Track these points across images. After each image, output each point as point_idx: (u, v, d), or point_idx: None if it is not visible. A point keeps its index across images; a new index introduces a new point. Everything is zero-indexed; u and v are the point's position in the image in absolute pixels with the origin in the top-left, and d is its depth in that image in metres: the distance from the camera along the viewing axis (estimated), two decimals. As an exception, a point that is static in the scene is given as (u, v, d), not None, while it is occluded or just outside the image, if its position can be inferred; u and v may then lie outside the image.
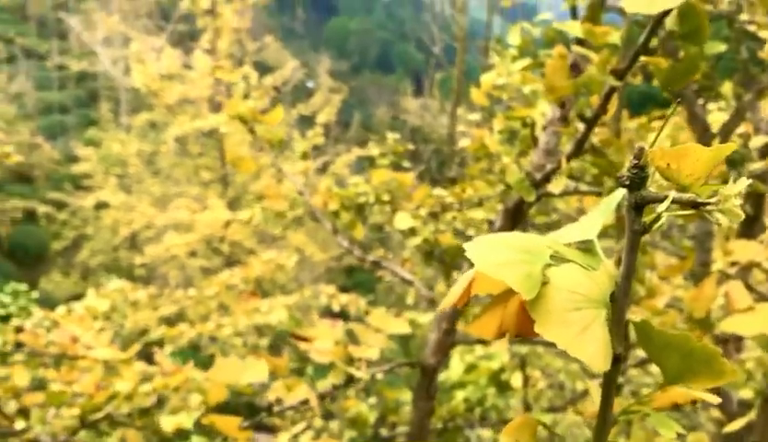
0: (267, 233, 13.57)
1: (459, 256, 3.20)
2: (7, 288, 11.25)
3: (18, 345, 3.24)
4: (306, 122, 16.47)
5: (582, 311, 0.51)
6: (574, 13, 1.67)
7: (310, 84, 45.07)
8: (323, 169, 15.66)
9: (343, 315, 7.23)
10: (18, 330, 3.44)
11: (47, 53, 32.83)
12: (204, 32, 14.05)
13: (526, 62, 2.57)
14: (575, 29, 1.24)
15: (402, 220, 2.55)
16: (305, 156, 2.71)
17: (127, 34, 23.48)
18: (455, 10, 7.11)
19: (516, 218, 1.99)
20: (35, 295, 14.60)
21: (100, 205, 16.76)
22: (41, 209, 20.34)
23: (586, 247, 0.57)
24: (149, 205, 14.71)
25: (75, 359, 2.96)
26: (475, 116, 3.90)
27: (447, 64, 14.69)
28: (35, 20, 38.21)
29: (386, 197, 2.87)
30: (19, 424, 2.47)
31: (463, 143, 3.32)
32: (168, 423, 1.76)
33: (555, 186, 1.61)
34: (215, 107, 14.25)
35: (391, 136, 3.63)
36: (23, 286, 11.92)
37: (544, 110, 2.36)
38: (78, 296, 18.14)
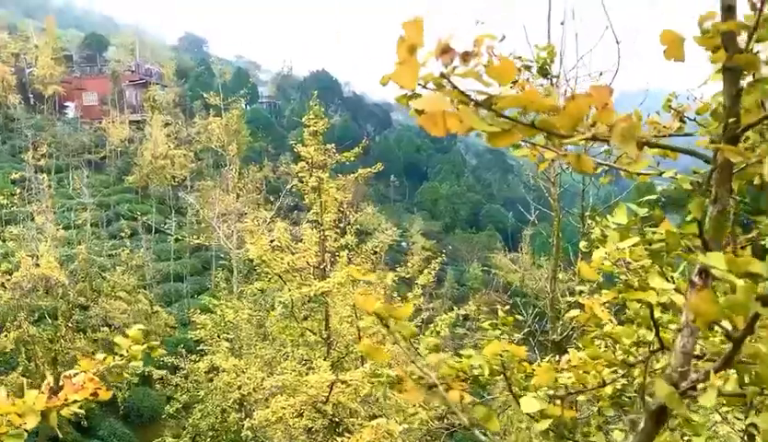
0: (370, 392, 13.90)
1: (576, 428, 3.32)
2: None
3: None
4: (404, 280, 17.24)
5: None
6: (701, 230, 1.89)
7: (405, 244, 46.59)
8: (423, 327, 16.24)
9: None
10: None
11: (166, 228, 35.71)
12: (311, 207, 15.29)
13: (634, 239, 2.76)
14: (718, 260, 1.34)
15: (529, 404, 2.54)
16: (436, 348, 2.83)
17: (240, 209, 25.62)
18: (549, 182, 7.81)
19: (660, 420, 1.97)
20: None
21: (211, 369, 17.62)
22: (157, 373, 21.33)
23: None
24: (258, 369, 15.29)
25: None
26: (582, 288, 4.16)
27: (536, 221, 15.31)
28: (156, 198, 41.93)
29: (499, 369, 3.14)
30: None
31: (572, 313, 3.41)
32: None
33: (706, 400, 1.64)
34: (320, 273, 15.24)
35: (501, 308, 3.95)
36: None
37: (659, 286, 2.66)
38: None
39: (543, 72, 4.06)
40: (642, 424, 1.77)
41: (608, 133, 1.87)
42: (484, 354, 2.99)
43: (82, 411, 3.42)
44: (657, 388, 1.69)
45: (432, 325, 14.65)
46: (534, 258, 37.50)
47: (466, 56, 1.95)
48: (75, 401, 3.37)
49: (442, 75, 1.96)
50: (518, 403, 3.25)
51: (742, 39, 2.01)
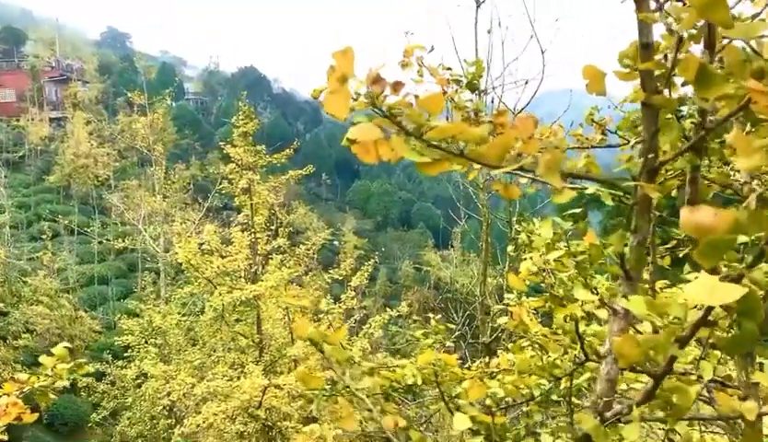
0: (302, 395, 13.84)
1: (507, 432, 3.43)
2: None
3: None
4: (338, 280, 17.21)
5: None
6: (622, 261, 1.86)
7: (337, 243, 46.55)
8: (357, 327, 16.29)
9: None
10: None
11: (90, 230, 34.58)
12: (242, 209, 15.09)
13: (560, 252, 2.88)
14: (638, 306, 1.37)
15: (461, 422, 2.55)
16: (371, 371, 2.85)
17: (167, 211, 25.03)
18: (478, 188, 7.93)
19: None
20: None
21: (140, 375, 17.18)
22: (82, 381, 20.64)
23: None
24: (188, 374, 14.96)
25: None
26: (512, 297, 4.30)
27: (466, 227, 15.56)
28: (78, 198, 40.55)
29: (432, 378, 3.19)
30: None
31: (502, 320, 3.53)
32: None
33: (630, 433, 1.67)
34: (252, 276, 15.07)
35: (434, 316, 4.03)
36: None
37: (584, 297, 2.76)
38: (117, 468, 18.02)
39: (472, 87, 4.14)
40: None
41: (533, 164, 1.93)
42: (418, 362, 3.06)
43: (4, 436, 3.29)
44: (582, 419, 1.75)
45: (365, 326, 14.69)
46: (464, 255, 38.07)
47: (396, 86, 1.98)
48: (-2, 426, 3.24)
49: (373, 105, 1.99)
50: (451, 412, 3.33)
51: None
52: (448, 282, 33.18)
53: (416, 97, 1.96)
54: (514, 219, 7.41)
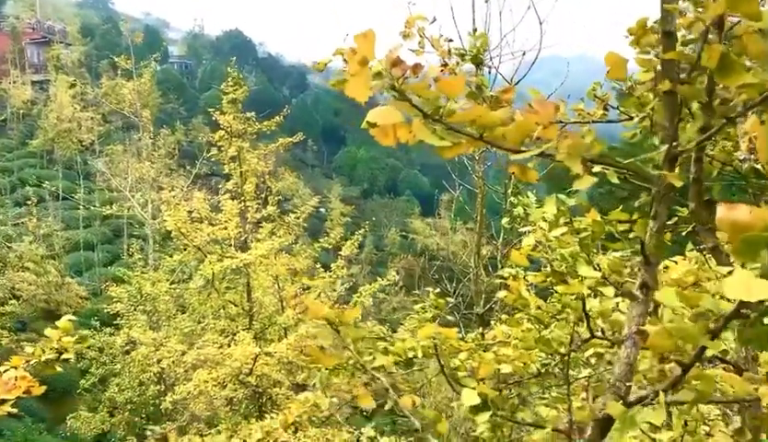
0: (293, 362, 13.95)
1: (505, 403, 3.48)
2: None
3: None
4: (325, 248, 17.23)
5: None
6: (642, 246, 1.85)
7: (323, 210, 46.47)
8: (347, 297, 16.35)
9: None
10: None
11: (76, 197, 34.15)
12: (231, 176, 15.02)
13: (563, 229, 2.88)
14: (670, 298, 1.38)
15: (469, 397, 2.54)
16: (386, 351, 2.84)
17: (154, 177, 24.85)
18: (473, 160, 7.91)
19: (605, 429, 1.98)
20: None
21: (129, 342, 17.18)
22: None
23: None
24: (178, 342, 14.98)
25: None
26: (510, 271, 4.31)
27: (461, 199, 15.50)
28: (62, 163, 40.02)
29: (432, 351, 3.24)
30: None
31: (500, 294, 3.55)
32: None
33: (655, 418, 1.65)
34: (241, 244, 15.05)
35: (432, 291, 4.06)
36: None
37: (587, 274, 2.80)
38: (106, 433, 18.20)
39: (476, 61, 4.12)
40: (589, 431, 1.87)
41: (553, 148, 1.94)
42: (418, 336, 3.04)
43: (15, 409, 3.30)
44: (610, 407, 1.78)
45: (356, 295, 14.77)
46: (452, 222, 38.12)
47: (416, 68, 1.98)
48: (7, 401, 3.25)
49: (393, 88, 1.99)
50: (451, 385, 3.38)
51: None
52: (435, 249, 33.31)
53: (435, 80, 1.96)
54: (509, 191, 7.43)
